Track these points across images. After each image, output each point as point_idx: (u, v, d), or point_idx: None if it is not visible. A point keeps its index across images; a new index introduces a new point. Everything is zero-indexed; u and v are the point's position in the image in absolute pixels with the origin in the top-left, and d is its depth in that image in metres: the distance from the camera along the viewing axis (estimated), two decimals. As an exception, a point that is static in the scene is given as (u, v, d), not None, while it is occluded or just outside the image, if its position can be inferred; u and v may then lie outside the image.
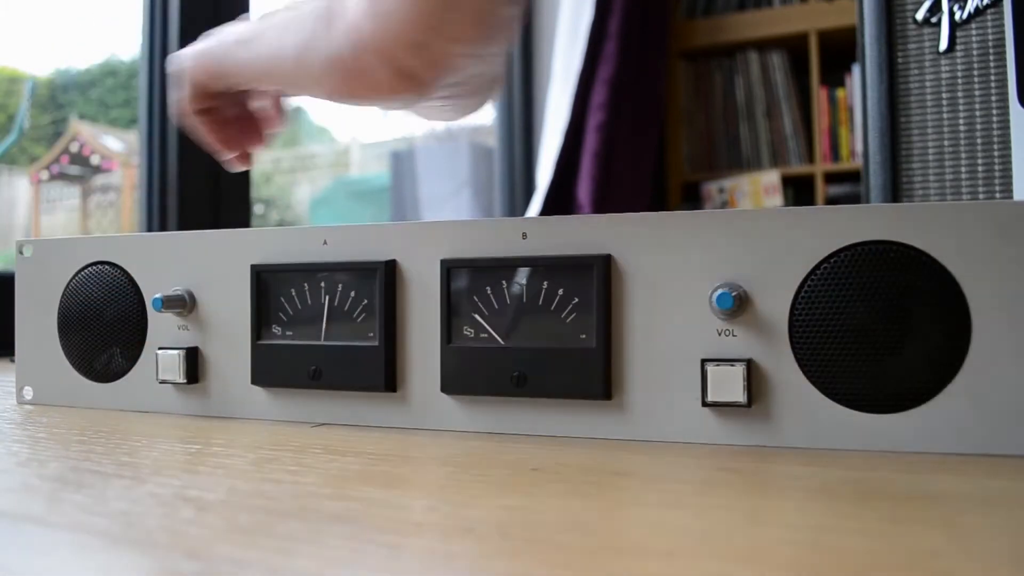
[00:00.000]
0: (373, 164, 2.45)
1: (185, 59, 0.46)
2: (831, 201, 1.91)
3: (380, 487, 0.31)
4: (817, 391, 0.36)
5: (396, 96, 0.39)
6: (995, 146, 0.55)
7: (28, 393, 0.52)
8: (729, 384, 0.36)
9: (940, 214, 0.35)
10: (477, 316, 0.41)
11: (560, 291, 0.39)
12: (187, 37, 1.21)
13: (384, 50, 0.37)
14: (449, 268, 0.41)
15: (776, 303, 0.36)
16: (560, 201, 1.77)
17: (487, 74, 0.40)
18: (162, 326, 0.48)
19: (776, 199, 1.93)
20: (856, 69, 1.84)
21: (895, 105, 0.58)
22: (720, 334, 0.37)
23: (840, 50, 1.84)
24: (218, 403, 0.47)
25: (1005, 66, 0.53)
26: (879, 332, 0.35)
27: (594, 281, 0.39)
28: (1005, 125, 0.54)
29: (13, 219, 1.57)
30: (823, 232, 0.36)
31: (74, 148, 1.62)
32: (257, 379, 0.45)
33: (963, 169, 0.56)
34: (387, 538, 0.24)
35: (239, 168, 0.51)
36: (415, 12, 0.36)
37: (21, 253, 0.52)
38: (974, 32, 0.55)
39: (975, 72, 0.55)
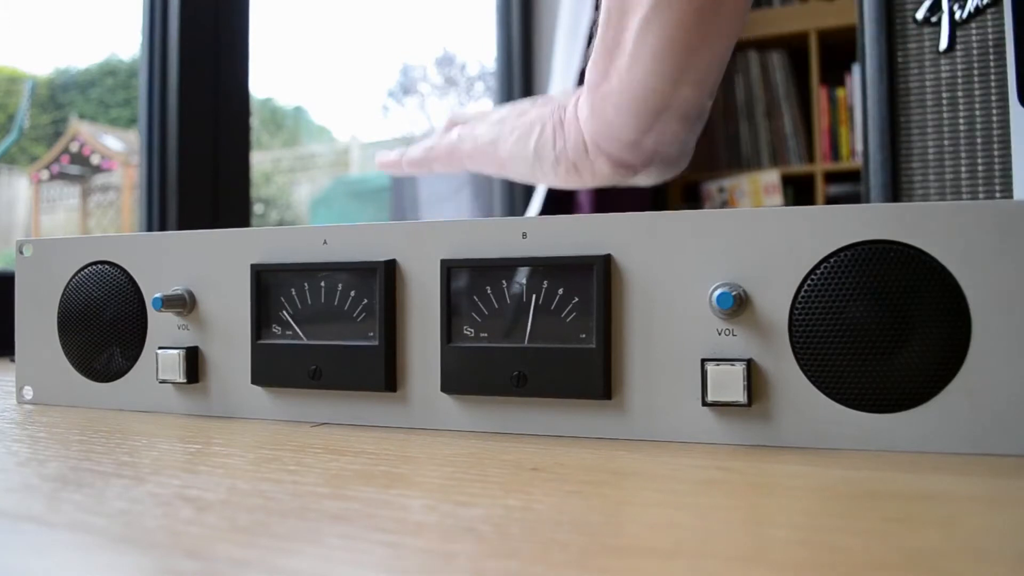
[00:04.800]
0: (373, 164, 2.44)
1: (440, 147, 0.55)
2: (831, 201, 1.91)
3: (380, 487, 0.30)
4: (817, 391, 0.36)
5: (612, 180, 0.49)
6: (995, 146, 0.55)
7: (28, 393, 0.52)
8: (729, 384, 0.36)
9: (940, 214, 0.35)
10: (477, 316, 0.41)
11: (560, 291, 0.39)
12: (187, 37, 1.21)
13: (605, 149, 0.45)
14: (449, 268, 0.41)
15: (776, 303, 0.36)
16: (560, 201, 1.77)
17: (684, 151, 0.47)
18: (162, 326, 0.48)
19: (776, 199, 1.93)
20: (856, 69, 1.84)
21: (895, 105, 0.58)
22: (720, 334, 0.37)
23: (840, 50, 1.84)
24: (218, 403, 0.47)
25: (1005, 66, 0.53)
26: (879, 332, 0.35)
27: (594, 281, 0.39)
28: (1005, 125, 0.54)
29: (13, 219, 1.57)
30: (823, 232, 0.36)
31: (74, 148, 1.62)
32: (257, 379, 0.45)
33: (963, 169, 0.56)
34: (387, 538, 0.24)
35: None
36: (632, 118, 0.44)
37: (21, 253, 0.52)
38: (974, 32, 0.55)
39: (975, 72, 0.55)
